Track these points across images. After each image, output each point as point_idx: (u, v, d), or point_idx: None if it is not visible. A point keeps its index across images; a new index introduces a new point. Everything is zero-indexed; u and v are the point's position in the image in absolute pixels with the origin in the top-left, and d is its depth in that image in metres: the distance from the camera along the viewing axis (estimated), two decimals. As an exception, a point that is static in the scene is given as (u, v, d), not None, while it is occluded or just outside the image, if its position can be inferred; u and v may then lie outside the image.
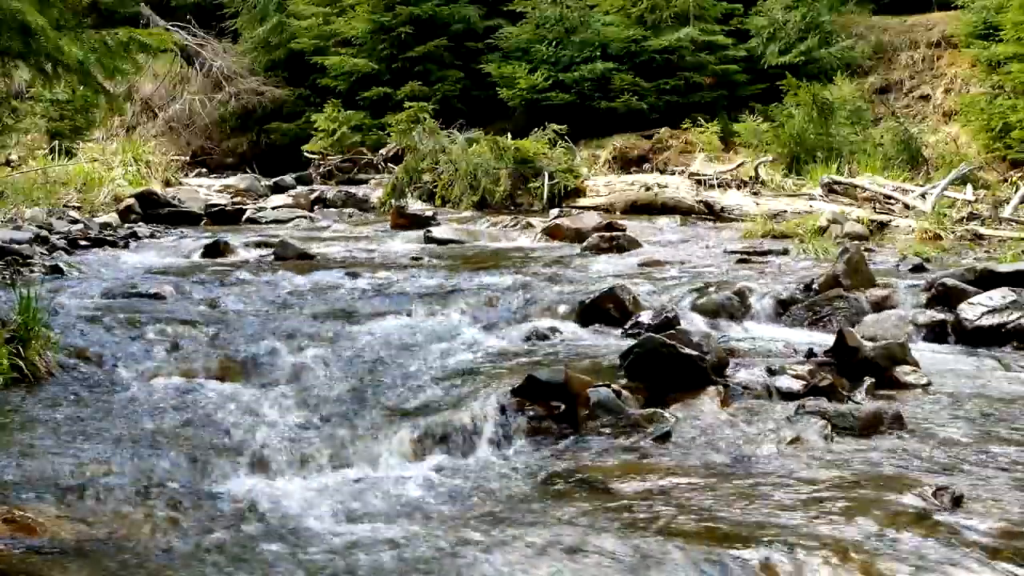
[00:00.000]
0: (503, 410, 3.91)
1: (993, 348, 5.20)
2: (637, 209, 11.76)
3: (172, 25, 18.87)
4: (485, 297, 6.17)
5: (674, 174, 13.66)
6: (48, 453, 3.45)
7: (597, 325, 5.63)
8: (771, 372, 4.37)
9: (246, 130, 20.46)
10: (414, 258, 8.14)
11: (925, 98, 16.00)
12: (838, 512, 3.00)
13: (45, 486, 3.20)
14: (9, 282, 6.08)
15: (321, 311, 5.90)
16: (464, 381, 4.37)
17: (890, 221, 9.66)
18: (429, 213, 10.90)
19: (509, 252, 8.65)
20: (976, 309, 5.39)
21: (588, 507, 3.14)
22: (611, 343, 5.17)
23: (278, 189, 15.29)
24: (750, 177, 12.62)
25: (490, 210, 11.95)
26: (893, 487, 3.20)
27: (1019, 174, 12.30)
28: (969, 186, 10.59)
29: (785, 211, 10.37)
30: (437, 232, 9.55)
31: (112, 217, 10.46)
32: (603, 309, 5.72)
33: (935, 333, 5.46)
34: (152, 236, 9.77)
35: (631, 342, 4.55)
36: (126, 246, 8.93)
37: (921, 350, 4.97)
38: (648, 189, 12.03)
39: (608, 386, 4.03)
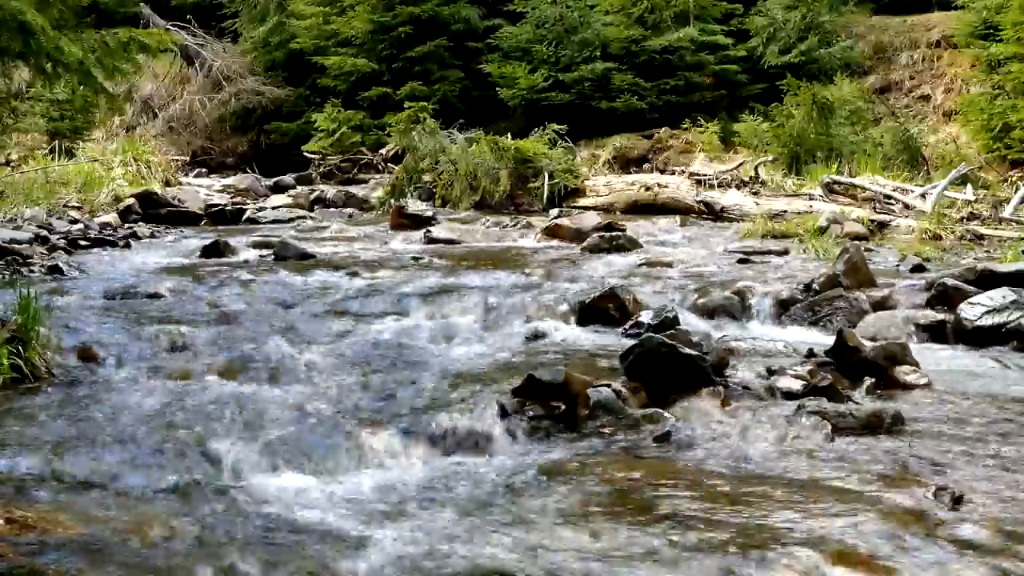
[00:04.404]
0: (503, 410, 3.91)
1: (993, 348, 5.18)
2: (637, 209, 11.76)
3: (172, 25, 18.90)
4: (485, 297, 6.17)
5: (674, 174, 13.68)
6: (48, 452, 3.45)
7: (597, 325, 5.63)
8: (771, 372, 4.37)
9: (246, 130, 20.48)
10: (414, 258, 8.14)
11: (925, 98, 16.00)
12: (838, 512, 3.00)
13: (45, 485, 3.21)
14: (9, 282, 6.08)
15: (321, 311, 5.90)
16: (464, 381, 4.37)
17: (890, 221, 9.66)
18: (429, 213, 10.89)
19: (509, 252, 8.65)
20: (976, 309, 5.38)
21: (588, 507, 3.14)
22: (611, 343, 5.17)
23: (278, 189, 15.30)
24: (750, 177, 12.62)
25: (490, 210, 11.95)
26: (893, 487, 3.20)
27: (1019, 174, 12.30)
28: (969, 186, 10.60)
29: (785, 211, 10.37)
30: (437, 232, 9.55)
31: (112, 217, 10.45)
32: (603, 309, 5.71)
33: (935, 333, 5.45)
34: (152, 236, 9.77)
35: (631, 342, 4.55)
36: (126, 246, 8.92)
37: (921, 350, 4.96)
38: (648, 189, 12.04)
39: (608, 386, 4.03)
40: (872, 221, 9.56)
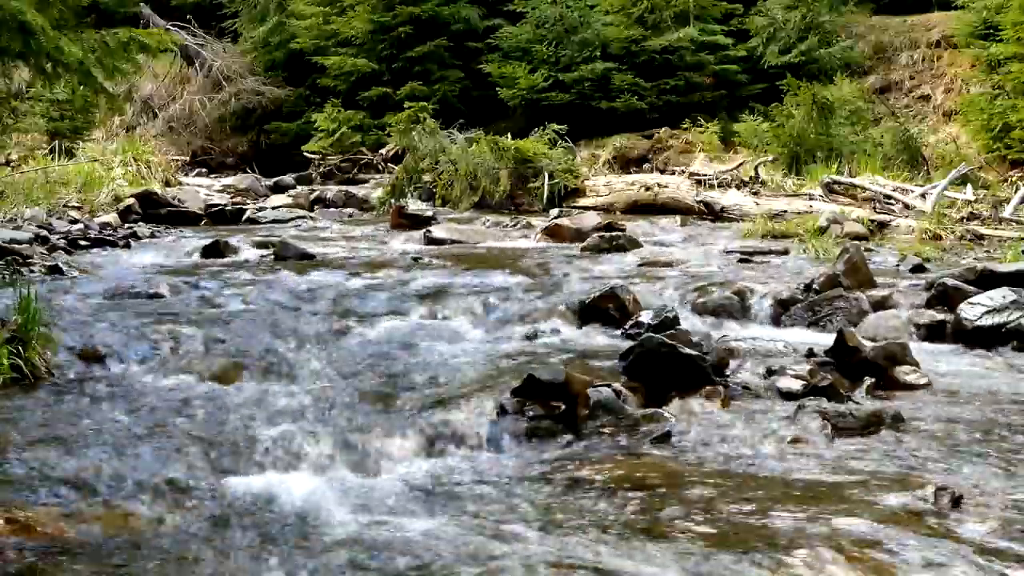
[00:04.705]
0: (503, 410, 3.91)
1: (993, 348, 5.19)
2: (637, 209, 11.76)
3: (172, 25, 18.90)
4: (485, 297, 6.17)
5: (674, 174, 13.68)
6: (48, 452, 3.45)
7: (597, 325, 5.63)
8: (771, 372, 4.37)
9: (246, 130, 20.48)
10: (414, 258, 8.14)
11: (925, 98, 16.00)
12: (838, 512, 3.00)
13: (45, 486, 3.20)
14: (9, 282, 6.08)
15: (321, 311, 5.90)
16: (464, 381, 4.37)
17: (890, 221, 9.66)
18: (429, 213, 10.89)
19: (509, 252, 8.65)
20: (976, 309, 5.38)
21: (587, 507, 3.14)
22: (611, 343, 5.17)
23: (278, 189, 15.30)
24: (750, 177, 12.62)
25: (490, 210, 11.94)
26: (893, 487, 3.20)
27: (1019, 174, 12.30)
28: (969, 186, 10.60)
29: (785, 211, 10.37)
30: (437, 232, 9.55)
31: (112, 217, 10.45)
32: (603, 309, 5.72)
33: (935, 333, 5.45)
34: (152, 236, 9.77)
35: (631, 342, 4.55)
36: (126, 246, 8.92)
37: (921, 350, 4.96)
38: (648, 189, 12.04)
39: (608, 386, 4.03)
40: (872, 221, 9.56)
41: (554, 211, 11.43)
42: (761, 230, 9.36)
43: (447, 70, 18.36)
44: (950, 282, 5.86)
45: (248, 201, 13.26)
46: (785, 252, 8.16)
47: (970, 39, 14.33)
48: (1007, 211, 9.57)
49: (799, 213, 10.14)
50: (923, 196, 10.17)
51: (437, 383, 4.36)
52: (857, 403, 4.11)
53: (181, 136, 19.95)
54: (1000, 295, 5.42)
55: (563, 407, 3.93)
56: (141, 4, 19.94)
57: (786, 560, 2.68)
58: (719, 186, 12.48)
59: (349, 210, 13.25)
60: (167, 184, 13.53)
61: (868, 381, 4.44)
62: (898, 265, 7.37)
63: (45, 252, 7.91)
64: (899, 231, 9.36)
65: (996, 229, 9.11)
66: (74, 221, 9.81)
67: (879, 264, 7.33)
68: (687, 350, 4.25)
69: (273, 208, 12.36)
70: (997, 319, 5.30)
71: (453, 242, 9.28)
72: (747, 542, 2.79)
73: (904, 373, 4.53)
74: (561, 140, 13.43)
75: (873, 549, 2.74)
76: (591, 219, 9.80)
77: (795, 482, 3.31)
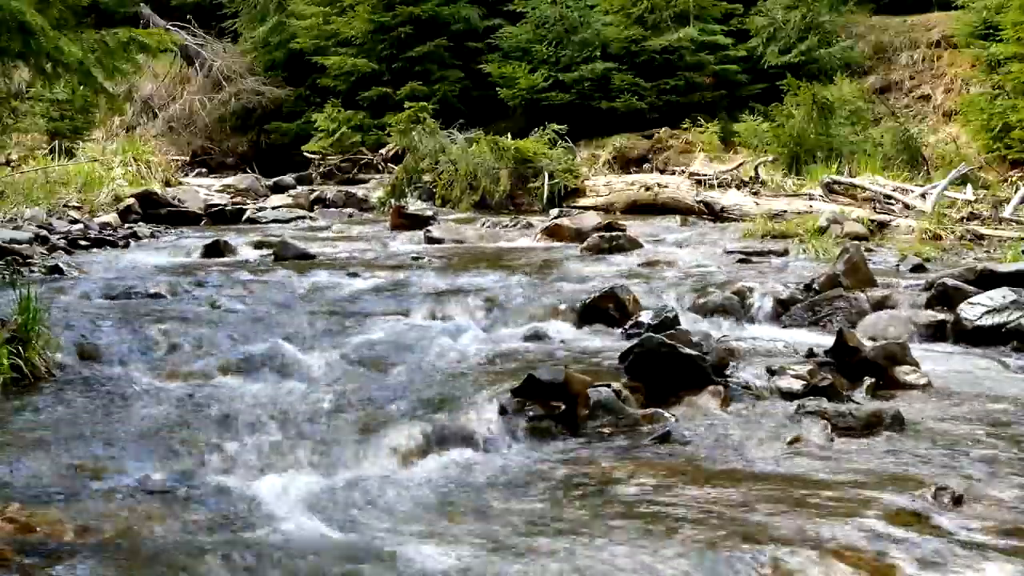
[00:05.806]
0: (503, 410, 3.91)
1: (993, 348, 5.19)
2: (637, 209, 11.76)
3: (172, 25, 18.88)
4: (485, 297, 6.17)
5: (674, 174, 13.67)
6: (48, 453, 3.45)
7: (597, 325, 5.63)
8: (771, 372, 4.37)
9: (246, 130, 20.46)
10: (414, 258, 8.14)
11: (925, 98, 15.99)
12: (838, 512, 3.00)
13: (45, 486, 3.21)
14: (9, 282, 6.08)
15: (321, 311, 5.90)
16: (464, 381, 4.37)
17: (890, 221, 9.66)
18: (429, 213, 10.90)
19: (509, 252, 8.65)
20: (976, 309, 5.38)
21: (587, 507, 3.14)
22: (611, 343, 5.17)
23: (278, 189, 15.30)
24: (750, 177, 12.61)
25: (490, 210, 11.95)
26: (893, 487, 3.20)
27: (1019, 174, 12.30)
28: (969, 186, 10.59)
29: (785, 211, 10.36)
30: (437, 232, 9.56)
31: (112, 217, 10.45)
32: (603, 309, 5.72)
33: (935, 333, 5.46)
34: (152, 236, 9.77)
35: (631, 342, 4.55)
36: (126, 246, 8.93)
37: (921, 350, 4.96)
38: (648, 189, 12.04)
39: (608, 386, 4.03)
40: (872, 221, 9.55)
41: (554, 211, 11.43)
42: (761, 230, 9.35)
43: (447, 70, 18.35)
44: (950, 282, 5.86)
45: (248, 201, 13.26)
46: (785, 252, 8.16)
47: (970, 39, 14.33)
48: (1007, 211, 9.57)
49: (799, 213, 10.13)
50: (923, 196, 10.16)
51: (437, 383, 4.36)
52: (857, 403, 4.11)
53: (181, 136, 19.94)
54: (1000, 295, 5.42)
55: (563, 407, 3.93)
56: (141, 4, 19.94)
57: (786, 560, 2.67)
58: (719, 186, 12.47)
59: (349, 210, 13.25)
60: (167, 184, 13.54)
61: (868, 381, 4.44)
62: (898, 265, 7.37)
63: (45, 252, 7.92)
64: (899, 231, 9.36)
65: (996, 229, 9.10)
66: (74, 221, 9.82)
67: (879, 264, 7.33)
68: (687, 350, 4.26)
69: (273, 208, 12.37)
70: (997, 319, 5.31)
71: (453, 242, 9.28)
72: (747, 542, 2.79)
73: (904, 373, 4.53)
74: (561, 140, 13.43)
75: (873, 549, 2.74)
76: (591, 219, 9.80)
77: (795, 482, 3.31)
